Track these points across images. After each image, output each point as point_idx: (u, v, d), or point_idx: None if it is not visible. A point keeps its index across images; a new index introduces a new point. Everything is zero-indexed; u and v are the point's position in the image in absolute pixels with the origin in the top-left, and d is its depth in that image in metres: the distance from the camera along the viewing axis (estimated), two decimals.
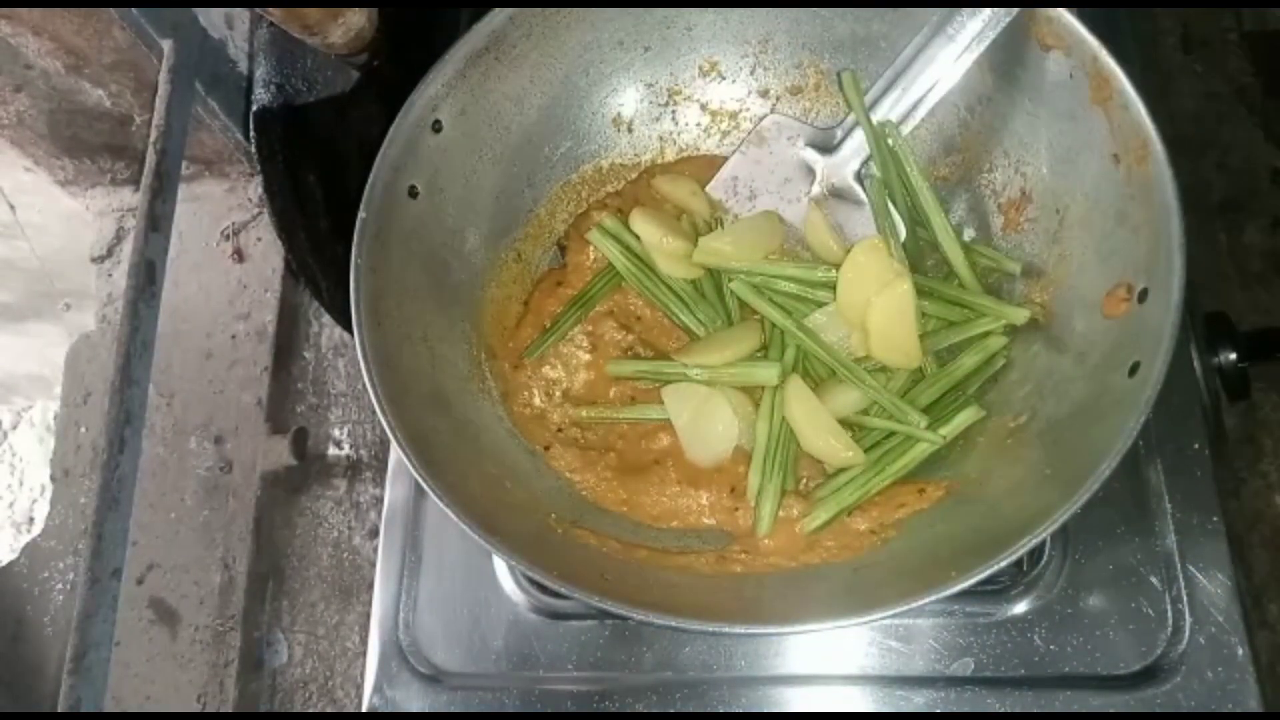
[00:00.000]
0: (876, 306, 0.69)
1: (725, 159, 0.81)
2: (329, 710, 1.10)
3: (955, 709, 0.71)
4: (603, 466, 0.73)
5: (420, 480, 0.60)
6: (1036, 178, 0.71)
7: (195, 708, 1.11)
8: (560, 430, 0.75)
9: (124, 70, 1.11)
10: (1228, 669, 0.69)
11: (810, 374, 0.73)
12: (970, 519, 0.63)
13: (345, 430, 1.22)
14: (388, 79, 0.77)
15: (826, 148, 0.77)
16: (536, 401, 0.76)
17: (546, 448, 0.74)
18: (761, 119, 0.80)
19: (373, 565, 0.81)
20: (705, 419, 0.72)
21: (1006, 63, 0.70)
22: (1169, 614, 0.71)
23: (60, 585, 1.21)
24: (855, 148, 0.76)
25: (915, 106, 0.73)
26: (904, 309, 0.69)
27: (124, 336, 0.90)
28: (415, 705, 0.76)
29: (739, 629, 0.58)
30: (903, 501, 0.67)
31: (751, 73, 0.80)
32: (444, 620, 0.78)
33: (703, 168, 0.81)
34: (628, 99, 0.80)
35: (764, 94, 0.81)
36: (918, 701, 0.71)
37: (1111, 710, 0.69)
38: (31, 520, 1.34)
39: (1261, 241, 1.15)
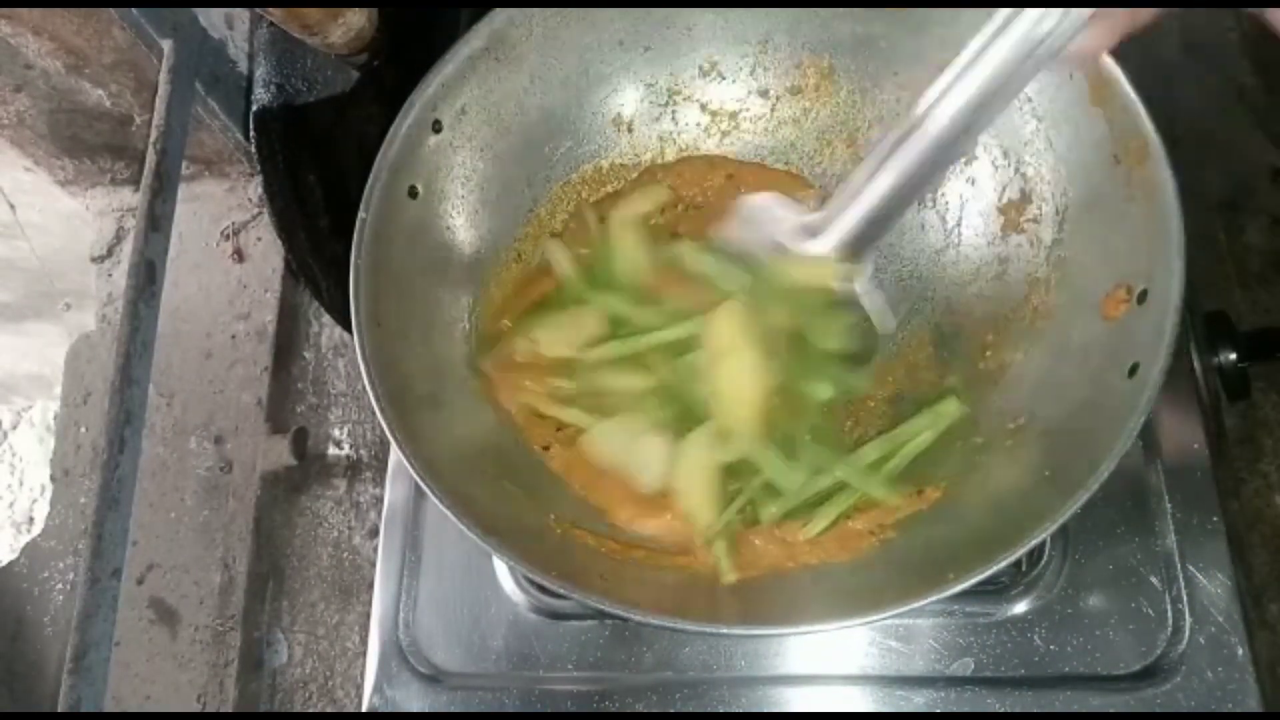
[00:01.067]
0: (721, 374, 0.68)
1: (725, 158, 0.81)
2: (329, 710, 1.10)
3: (955, 709, 0.71)
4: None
5: (420, 480, 0.60)
6: (1036, 178, 0.71)
7: (195, 708, 1.11)
8: (560, 430, 0.75)
9: (124, 70, 1.11)
10: (1228, 669, 0.69)
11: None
12: (970, 520, 0.63)
13: (345, 430, 1.22)
14: (388, 79, 0.77)
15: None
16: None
17: (546, 448, 0.74)
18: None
19: (373, 565, 0.81)
20: (636, 458, 0.69)
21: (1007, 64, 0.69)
22: (1169, 614, 0.71)
23: (60, 585, 1.21)
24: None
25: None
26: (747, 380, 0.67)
27: (124, 336, 0.90)
28: (415, 705, 0.76)
29: (739, 629, 0.58)
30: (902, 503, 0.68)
31: (751, 73, 0.80)
32: (444, 620, 0.78)
33: (702, 168, 0.81)
34: (628, 99, 0.80)
35: (764, 94, 0.81)
36: (918, 701, 0.71)
37: (1111, 710, 0.69)
38: (31, 520, 1.34)
39: (1261, 241, 1.15)
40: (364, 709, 0.76)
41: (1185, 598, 0.71)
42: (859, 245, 0.64)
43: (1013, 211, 0.73)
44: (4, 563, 1.23)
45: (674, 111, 0.81)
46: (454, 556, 0.79)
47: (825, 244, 0.65)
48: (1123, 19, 0.55)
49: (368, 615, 0.79)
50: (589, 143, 0.81)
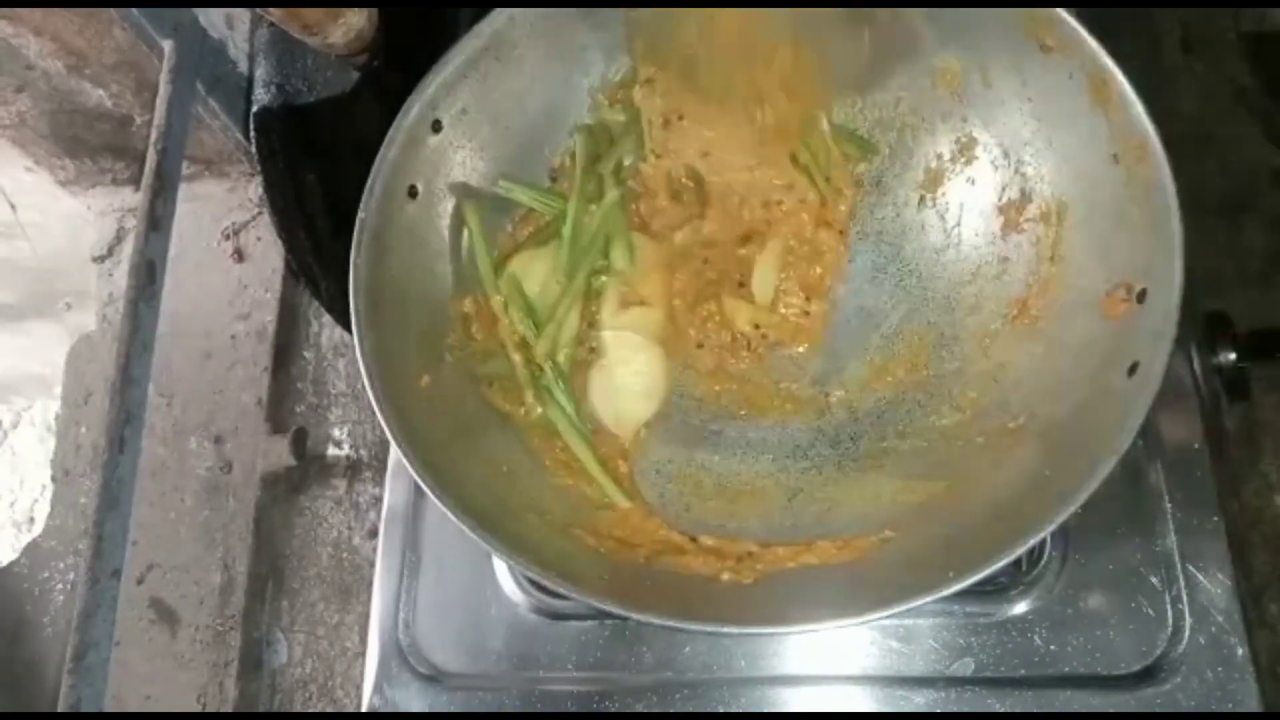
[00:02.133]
0: None
1: None
2: (329, 710, 1.10)
3: (955, 709, 0.71)
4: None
5: (420, 480, 0.60)
6: (1036, 178, 0.71)
7: (195, 708, 1.11)
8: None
9: (124, 70, 1.11)
10: (1228, 669, 0.69)
11: None
12: (970, 519, 0.63)
13: (345, 430, 1.22)
14: (388, 79, 0.77)
15: None
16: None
17: None
18: None
19: (373, 565, 0.81)
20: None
21: (1006, 64, 0.70)
22: (1169, 614, 0.71)
23: (60, 585, 1.21)
24: None
25: None
26: None
27: (124, 336, 0.91)
28: (415, 705, 0.76)
29: (739, 629, 0.58)
30: None
31: None
32: (444, 620, 0.78)
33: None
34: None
35: None
36: (918, 701, 0.71)
37: (1111, 710, 0.69)
38: (31, 520, 1.34)
39: (1261, 241, 1.15)
40: (364, 709, 0.76)
41: (1185, 598, 0.71)
42: None
43: (1013, 211, 0.73)
44: (4, 563, 1.23)
45: None
46: (454, 556, 0.79)
47: None
48: None
49: (367, 615, 0.79)
50: None
